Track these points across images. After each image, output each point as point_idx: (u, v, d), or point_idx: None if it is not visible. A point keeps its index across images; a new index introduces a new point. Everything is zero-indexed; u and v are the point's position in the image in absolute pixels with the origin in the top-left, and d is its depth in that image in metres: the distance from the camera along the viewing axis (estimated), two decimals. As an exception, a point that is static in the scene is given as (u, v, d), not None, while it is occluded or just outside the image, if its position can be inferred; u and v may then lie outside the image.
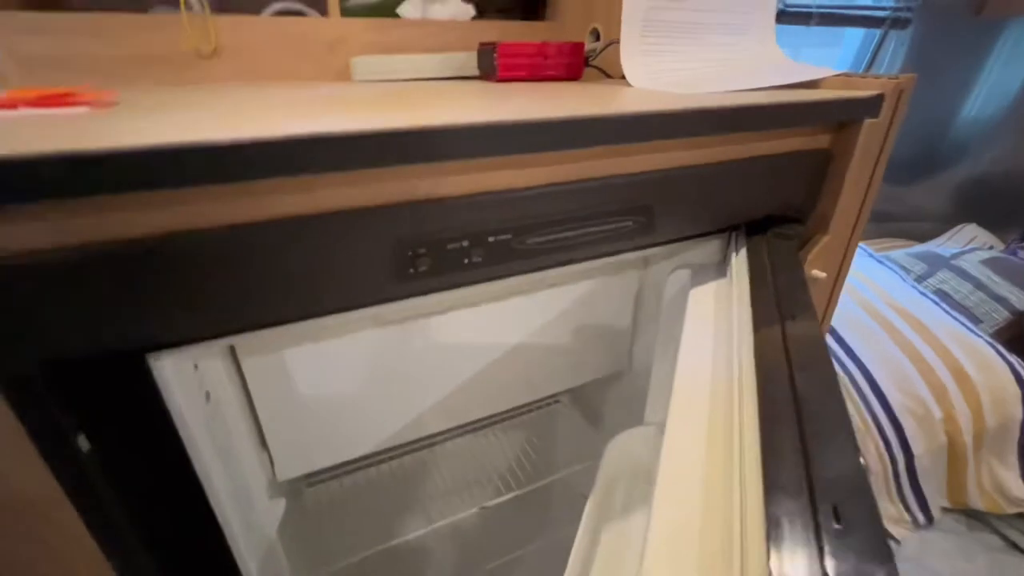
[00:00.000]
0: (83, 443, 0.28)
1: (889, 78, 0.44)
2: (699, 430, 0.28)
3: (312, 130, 0.24)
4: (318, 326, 0.33)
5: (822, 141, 0.46)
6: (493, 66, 0.59)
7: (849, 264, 0.52)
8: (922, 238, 1.62)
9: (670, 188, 0.40)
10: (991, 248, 1.46)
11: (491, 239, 0.33)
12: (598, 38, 0.72)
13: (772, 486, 0.21)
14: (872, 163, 0.46)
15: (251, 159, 0.24)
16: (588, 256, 0.38)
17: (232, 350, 0.44)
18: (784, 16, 1.11)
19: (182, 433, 0.35)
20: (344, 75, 0.64)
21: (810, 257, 0.49)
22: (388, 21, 0.65)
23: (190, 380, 0.37)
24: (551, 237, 0.36)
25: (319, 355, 0.50)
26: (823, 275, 0.49)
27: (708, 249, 0.51)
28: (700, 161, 0.40)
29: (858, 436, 0.92)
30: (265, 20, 0.60)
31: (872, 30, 1.36)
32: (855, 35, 1.44)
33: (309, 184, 0.27)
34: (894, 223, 1.69)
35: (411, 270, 0.31)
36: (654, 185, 0.39)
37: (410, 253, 0.31)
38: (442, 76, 0.65)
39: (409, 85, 0.57)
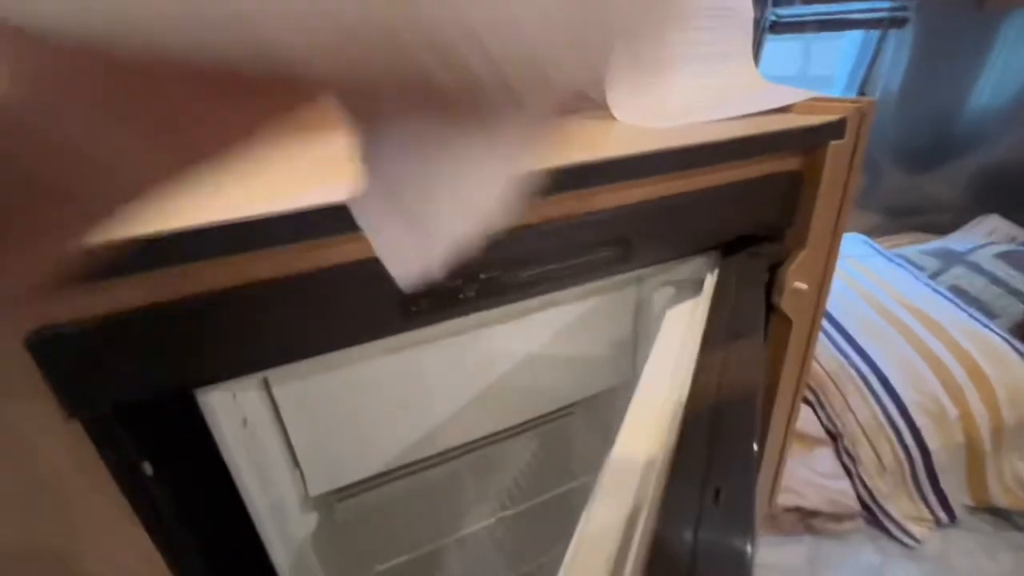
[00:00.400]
0: (148, 468, 0.34)
1: (851, 102, 0.47)
2: (642, 438, 0.33)
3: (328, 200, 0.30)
4: (341, 355, 0.38)
5: (792, 163, 0.49)
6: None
7: (831, 274, 0.55)
8: (942, 230, 1.60)
9: (646, 219, 0.43)
10: (1013, 240, 1.44)
11: (483, 276, 0.38)
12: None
13: (675, 477, 0.26)
14: (843, 180, 0.49)
15: (293, 227, 0.29)
16: (573, 284, 0.42)
17: (265, 380, 0.50)
18: (778, 27, 1.13)
19: (224, 455, 0.40)
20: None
21: (791, 270, 0.52)
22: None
23: (230, 409, 0.42)
24: (537, 271, 0.40)
25: (343, 380, 0.56)
26: (805, 286, 0.52)
27: (693, 266, 0.55)
28: (675, 191, 0.44)
29: (872, 434, 0.93)
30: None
31: (869, 32, 1.36)
32: (854, 38, 1.45)
33: (328, 243, 0.32)
34: (913, 216, 1.66)
35: (412, 308, 0.36)
36: (631, 217, 0.43)
37: (410, 295, 0.36)
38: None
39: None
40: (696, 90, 0.61)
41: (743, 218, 0.49)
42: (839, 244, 0.53)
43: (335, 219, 0.30)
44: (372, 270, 0.34)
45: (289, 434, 0.55)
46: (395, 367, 0.59)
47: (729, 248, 0.51)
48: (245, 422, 0.45)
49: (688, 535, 0.22)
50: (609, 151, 0.39)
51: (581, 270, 0.42)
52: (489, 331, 0.64)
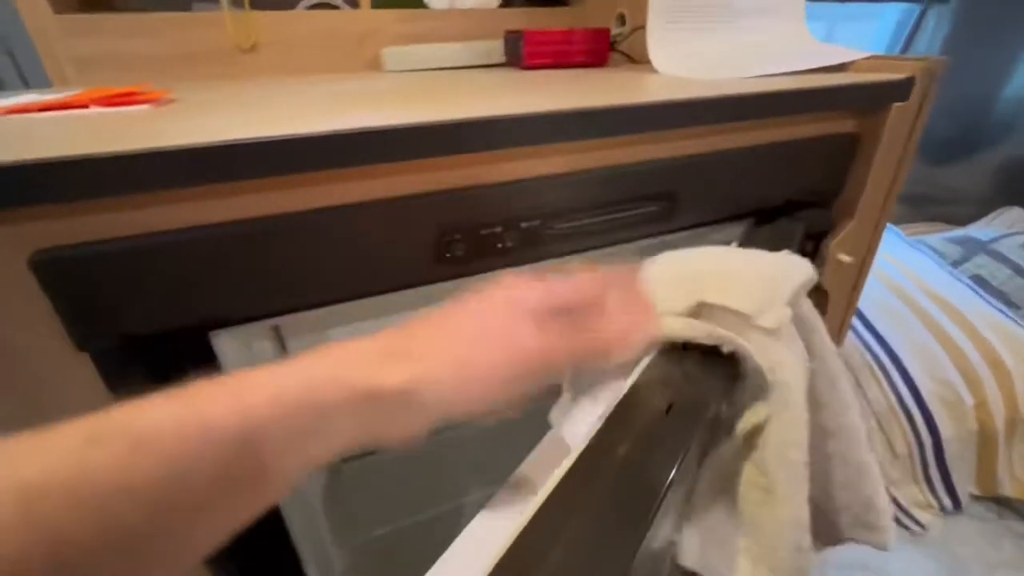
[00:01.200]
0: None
1: (919, 60, 0.43)
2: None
3: (372, 124, 0.27)
4: (357, 307, 0.35)
5: (849, 125, 0.46)
6: (519, 54, 0.61)
7: (875, 248, 0.52)
8: (962, 222, 1.56)
9: (694, 174, 0.41)
10: (1032, 231, 1.41)
11: (523, 225, 0.35)
12: (624, 23, 0.72)
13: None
14: (901, 147, 0.46)
15: (324, 150, 0.26)
16: (614, 241, 0.40)
17: (278, 331, 0.48)
18: (818, -7, 1.08)
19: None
20: (375, 65, 0.66)
21: (836, 241, 0.49)
22: (416, 12, 0.66)
23: (244, 358, 0.40)
24: (578, 223, 0.37)
25: (356, 336, 0.53)
26: (849, 259, 0.49)
27: (724, 235, 0.52)
28: (724, 147, 0.41)
29: (884, 420, 0.92)
30: (300, 14, 0.62)
31: (912, 5, 1.30)
32: (893, 9, 1.38)
33: (363, 173, 0.30)
34: (932, 206, 1.63)
35: (447, 254, 0.34)
36: (678, 171, 0.40)
37: (446, 238, 0.33)
38: (470, 64, 0.66)
39: (440, 75, 0.58)
40: (743, 44, 0.57)
41: (793, 182, 0.46)
42: (888, 217, 0.50)
43: (370, 145, 0.28)
44: (406, 208, 0.32)
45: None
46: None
47: (764, 217, 0.48)
48: (259, 371, 0.42)
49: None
50: (653, 97, 0.36)
51: (623, 224, 0.39)
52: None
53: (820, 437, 0.33)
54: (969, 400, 0.88)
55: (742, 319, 0.27)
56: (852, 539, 0.38)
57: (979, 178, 1.59)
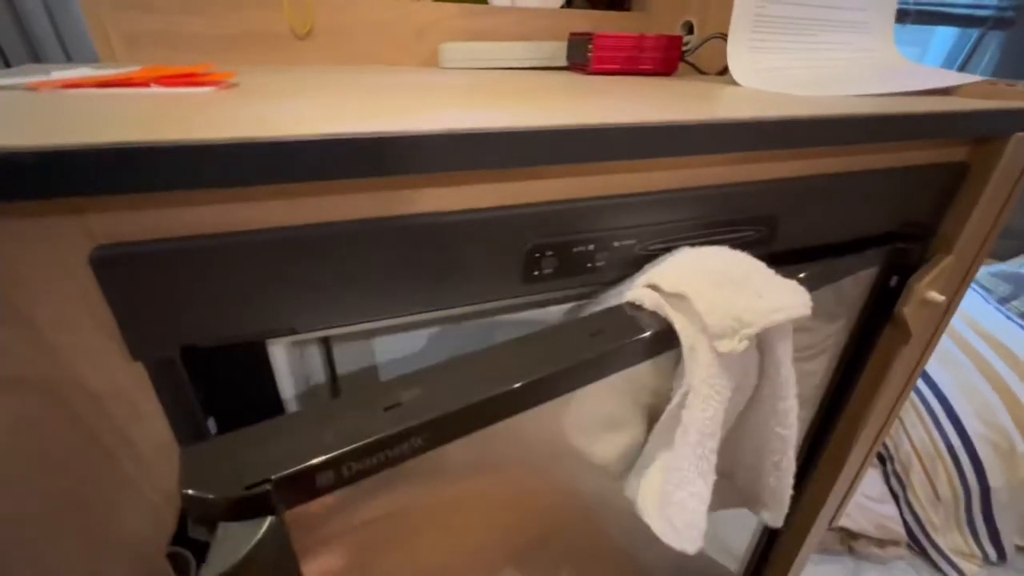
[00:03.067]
0: (212, 426, 0.28)
1: (1045, 87, 0.40)
2: None
3: (471, 125, 0.23)
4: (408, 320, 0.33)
5: (958, 154, 0.42)
6: (587, 57, 0.57)
7: (966, 289, 0.48)
8: (1001, 256, 1.52)
9: (796, 198, 0.37)
10: (1079, 271, 1.36)
11: (616, 244, 0.32)
12: (690, 31, 0.69)
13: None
14: (1013, 180, 0.42)
15: (425, 151, 0.23)
16: (707, 266, 0.36)
17: (326, 339, 0.44)
18: (877, 12, 1.04)
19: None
20: (431, 61, 0.63)
21: (928, 279, 0.46)
22: (478, 7, 0.63)
23: (296, 365, 0.37)
24: (674, 244, 0.34)
25: (402, 344, 0.50)
26: (941, 299, 0.46)
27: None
28: (827, 171, 0.38)
29: (929, 463, 0.87)
30: (359, 2, 0.59)
31: (966, 30, 1.26)
32: (945, 36, 1.34)
33: (452, 179, 0.26)
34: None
35: (536, 272, 0.30)
36: (780, 194, 0.36)
37: (537, 254, 0.30)
38: (530, 66, 0.63)
39: (504, 75, 0.55)
40: (832, 60, 0.53)
41: (897, 212, 0.42)
42: (986, 255, 0.47)
43: (475, 149, 0.24)
44: (499, 220, 0.28)
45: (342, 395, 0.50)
46: (453, 335, 0.53)
47: (854, 247, 0.45)
48: (308, 381, 0.39)
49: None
50: (756, 112, 0.32)
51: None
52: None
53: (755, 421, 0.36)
54: (1022, 447, 0.83)
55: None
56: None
57: (1021, 210, 1.55)
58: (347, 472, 0.22)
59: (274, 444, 0.22)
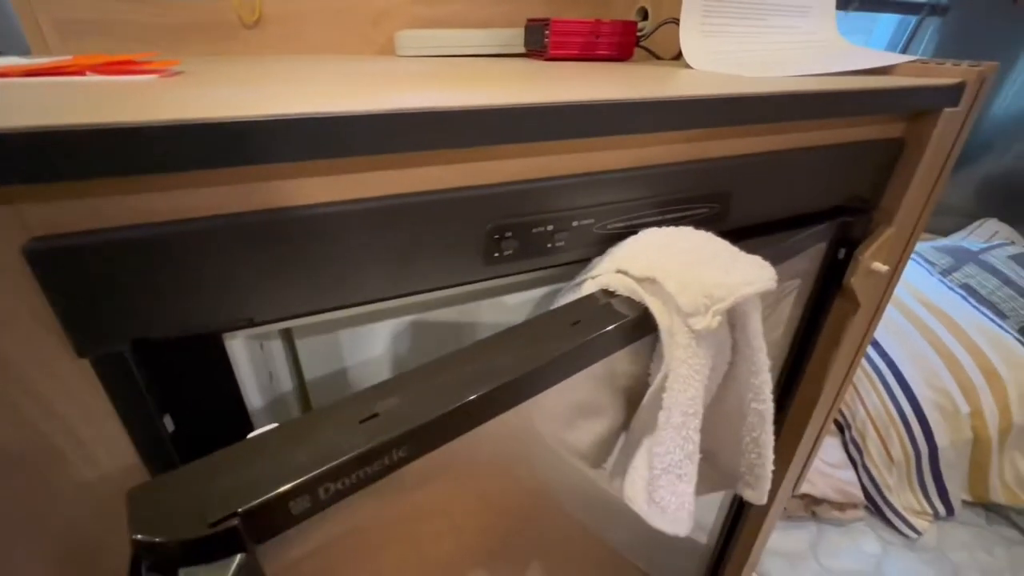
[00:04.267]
0: (169, 425, 0.27)
1: (971, 65, 0.42)
2: None
3: (418, 105, 0.23)
4: (372, 308, 0.32)
5: (895, 130, 0.44)
6: (544, 43, 0.58)
7: (908, 258, 0.51)
8: (942, 232, 1.61)
9: (748, 175, 0.38)
10: (1013, 243, 1.45)
11: (575, 223, 0.32)
12: (645, 17, 0.70)
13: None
14: (945, 154, 0.45)
15: (362, 131, 0.23)
16: (665, 243, 0.37)
17: (288, 332, 0.43)
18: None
19: (252, 413, 0.34)
20: (387, 49, 0.62)
21: (871, 250, 0.48)
22: (433, -6, 0.63)
23: (257, 360, 0.36)
24: (632, 222, 0.35)
25: (367, 336, 0.50)
26: (885, 268, 0.48)
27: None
28: (777, 147, 0.39)
29: (883, 428, 0.92)
30: (310, -11, 0.57)
31: (907, 17, 1.32)
32: (888, 23, 1.41)
33: (407, 161, 0.26)
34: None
35: (497, 253, 0.31)
36: (732, 171, 0.38)
37: (497, 236, 0.30)
38: (487, 52, 0.63)
39: (461, 61, 0.55)
40: (778, 43, 0.55)
41: (844, 186, 0.44)
42: (925, 225, 0.49)
43: (427, 128, 0.24)
44: (458, 202, 0.28)
45: (308, 392, 0.49)
46: (422, 325, 0.53)
47: (803, 222, 0.47)
48: (271, 376, 0.38)
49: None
50: (707, 91, 0.33)
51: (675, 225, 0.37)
52: (532, 294, 0.59)
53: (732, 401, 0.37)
54: (965, 408, 0.89)
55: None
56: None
57: (961, 190, 1.64)
58: (324, 495, 0.20)
59: (239, 471, 0.20)
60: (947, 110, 0.42)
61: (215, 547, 0.17)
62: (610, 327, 0.29)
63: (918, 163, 0.44)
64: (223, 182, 0.23)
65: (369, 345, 0.50)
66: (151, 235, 0.22)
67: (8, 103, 0.24)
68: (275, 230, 0.24)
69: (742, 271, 0.31)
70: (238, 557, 0.18)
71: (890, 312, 1.04)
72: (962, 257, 1.21)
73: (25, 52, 0.50)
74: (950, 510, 0.92)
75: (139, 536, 0.17)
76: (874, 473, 0.92)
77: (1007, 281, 1.10)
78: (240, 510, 0.17)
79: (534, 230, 0.31)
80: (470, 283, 0.32)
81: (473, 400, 0.23)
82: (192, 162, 0.21)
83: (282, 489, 0.18)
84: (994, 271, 1.13)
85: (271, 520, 0.18)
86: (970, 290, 1.12)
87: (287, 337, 0.44)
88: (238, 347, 0.33)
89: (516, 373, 0.24)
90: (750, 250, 0.41)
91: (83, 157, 0.19)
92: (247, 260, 0.24)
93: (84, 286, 0.22)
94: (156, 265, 0.23)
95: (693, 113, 0.32)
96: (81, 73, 0.32)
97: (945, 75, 0.43)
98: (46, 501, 0.25)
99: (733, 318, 0.33)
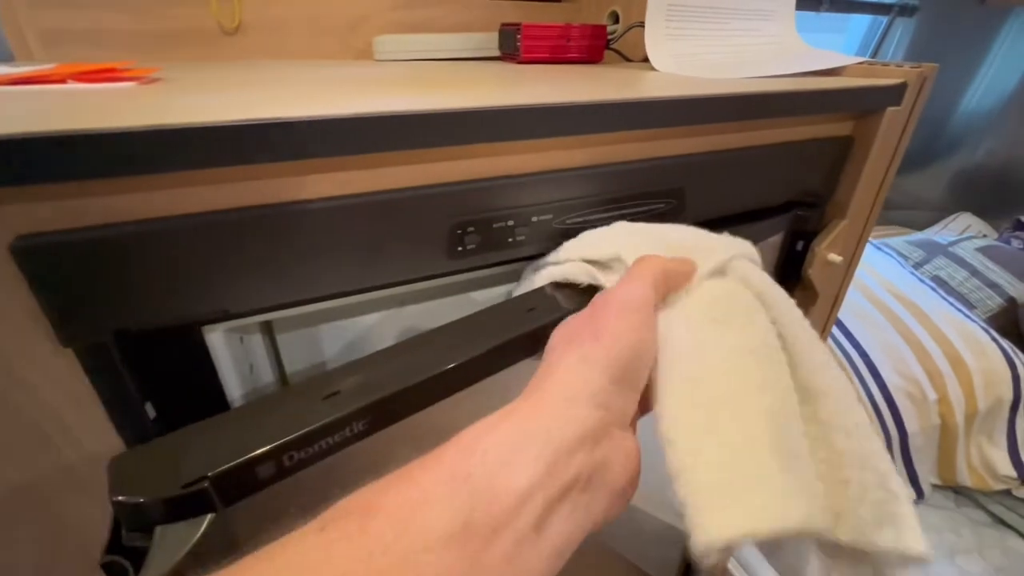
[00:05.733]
0: (150, 411, 0.29)
1: (912, 67, 0.45)
2: None
3: (382, 109, 0.25)
4: (350, 303, 0.34)
5: (844, 128, 0.47)
6: (516, 47, 0.60)
7: (863, 248, 0.54)
8: (918, 226, 1.65)
9: (701, 172, 0.41)
10: (984, 236, 1.49)
11: (534, 219, 0.35)
12: (617, 20, 0.72)
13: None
14: (891, 150, 0.48)
15: (327, 135, 0.24)
16: (623, 237, 0.39)
17: (269, 326, 0.45)
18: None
19: (232, 403, 0.36)
20: (365, 54, 0.64)
21: (827, 242, 0.51)
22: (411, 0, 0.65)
23: (237, 352, 0.38)
24: (589, 218, 0.37)
25: (347, 331, 0.51)
26: (839, 259, 0.51)
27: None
28: (729, 146, 0.42)
29: (855, 416, 0.96)
30: (288, -4, 0.59)
31: (879, 17, 1.36)
32: (861, 22, 1.44)
33: (372, 161, 0.28)
34: (891, 211, 1.72)
35: (460, 248, 0.33)
36: (686, 169, 0.40)
37: (459, 231, 0.32)
38: (463, 56, 0.65)
39: (436, 65, 0.57)
40: (738, 45, 0.58)
41: (794, 182, 0.47)
42: (875, 219, 0.52)
43: (391, 130, 0.26)
44: (421, 199, 0.31)
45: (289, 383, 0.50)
46: (400, 321, 0.55)
47: (757, 216, 0.49)
48: (252, 368, 0.40)
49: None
50: (664, 92, 0.36)
51: (632, 220, 0.39)
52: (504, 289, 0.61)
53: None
54: (932, 395, 0.93)
55: None
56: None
57: (935, 185, 1.68)
58: (288, 462, 0.22)
59: (210, 441, 0.22)
60: (891, 109, 0.45)
61: (188, 507, 0.19)
62: (563, 312, 0.31)
63: (866, 158, 0.47)
64: (196, 182, 0.25)
65: (347, 340, 0.52)
66: (128, 232, 0.24)
67: (-6, 111, 0.26)
68: (246, 227, 0.26)
69: (726, 245, 0.31)
70: (209, 516, 0.20)
71: (862, 303, 1.08)
72: (933, 250, 1.25)
73: (9, 59, 0.52)
74: (920, 494, 0.95)
75: (120, 497, 0.19)
76: (847, 459, 0.95)
77: (974, 272, 1.14)
78: (210, 474, 0.19)
79: (495, 225, 0.33)
80: (436, 276, 0.34)
81: (427, 378, 0.25)
82: (166, 164, 0.22)
83: (249, 456, 0.20)
84: (962, 263, 1.17)
85: (239, 483, 0.20)
86: (940, 281, 1.15)
87: (267, 331, 0.46)
88: (218, 340, 0.34)
89: (468, 354, 0.27)
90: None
91: (65, 160, 0.21)
92: (219, 255, 0.26)
93: (67, 280, 0.24)
94: (133, 260, 0.25)
95: (648, 114, 0.35)
96: (63, 81, 0.33)
97: (889, 76, 0.45)
98: (32, 482, 0.27)
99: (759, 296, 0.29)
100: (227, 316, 0.30)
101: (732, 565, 0.83)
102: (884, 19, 1.31)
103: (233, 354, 0.36)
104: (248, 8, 0.57)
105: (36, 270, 0.23)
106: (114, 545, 0.26)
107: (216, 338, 0.34)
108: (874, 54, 1.47)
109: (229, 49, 0.57)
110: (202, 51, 0.56)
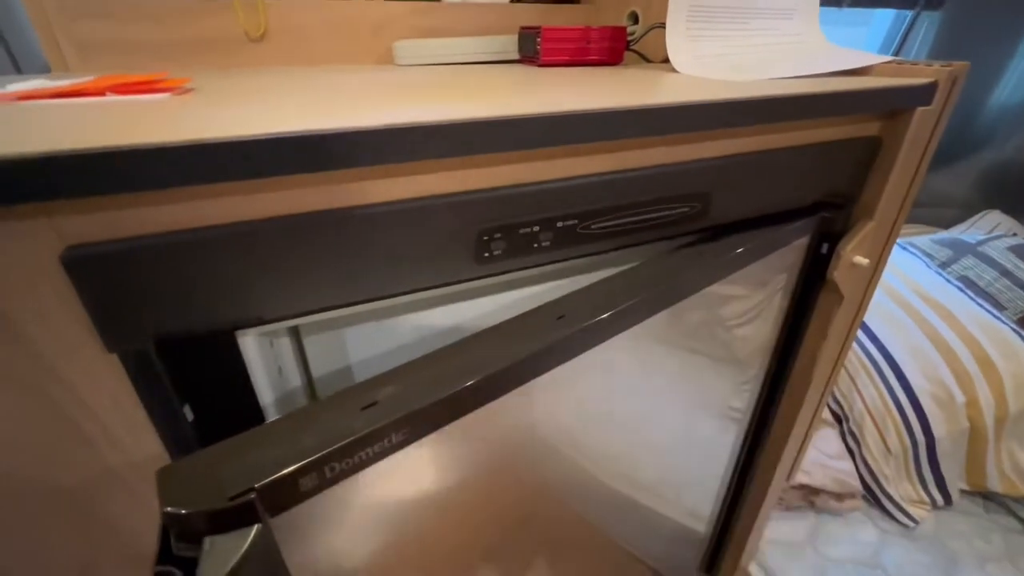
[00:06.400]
0: (188, 414, 0.30)
1: (942, 65, 0.44)
2: None
3: (427, 119, 0.26)
4: (375, 308, 0.35)
5: (872, 128, 0.46)
6: (536, 50, 0.60)
7: (890, 250, 0.53)
8: (945, 224, 1.61)
9: (726, 175, 0.40)
10: (1015, 235, 1.45)
11: (559, 224, 0.35)
12: (636, 21, 0.72)
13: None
14: (921, 151, 0.47)
15: (365, 146, 0.25)
16: (648, 240, 0.39)
17: (296, 330, 0.46)
18: (816, -3, 1.09)
19: (263, 405, 0.37)
20: (386, 59, 0.64)
21: (853, 243, 0.50)
22: (430, 4, 0.65)
23: (268, 356, 0.39)
24: (614, 223, 0.37)
25: (371, 334, 0.52)
26: (866, 261, 0.50)
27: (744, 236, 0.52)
28: (755, 149, 0.41)
29: (879, 418, 0.94)
30: (312, 4, 0.60)
31: (903, 11, 1.33)
32: (885, 15, 1.41)
33: (407, 169, 0.29)
34: (916, 208, 1.68)
35: (487, 253, 0.33)
36: (711, 172, 0.40)
37: (486, 237, 0.32)
38: (483, 60, 0.65)
39: (457, 69, 0.57)
40: (761, 46, 0.57)
41: (821, 184, 0.46)
42: (903, 221, 0.51)
43: (424, 140, 0.27)
44: (450, 206, 0.31)
45: (315, 388, 0.51)
46: (427, 322, 0.56)
47: (784, 218, 0.49)
48: (281, 371, 0.41)
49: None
50: (687, 97, 0.36)
51: (657, 224, 0.39)
52: (527, 292, 0.61)
53: None
54: (960, 398, 0.90)
55: None
56: None
57: (962, 182, 1.64)
58: (330, 473, 0.22)
59: (254, 453, 0.23)
60: (921, 109, 0.44)
61: (235, 519, 0.20)
62: (590, 321, 0.31)
63: (895, 159, 0.46)
64: (231, 193, 0.26)
65: (371, 343, 0.52)
66: (171, 242, 0.25)
67: (44, 125, 0.27)
68: (281, 236, 0.27)
69: None
70: (255, 527, 0.20)
71: (887, 305, 1.06)
72: (961, 249, 1.22)
73: (44, 68, 0.54)
74: (948, 499, 0.93)
75: (169, 509, 0.19)
76: (872, 463, 0.93)
77: (1005, 272, 1.11)
78: (256, 486, 0.20)
79: (521, 231, 0.34)
80: (463, 281, 0.34)
81: (463, 389, 0.25)
82: (206, 176, 0.23)
83: (292, 468, 0.21)
84: (992, 263, 1.14)
85: (283, 495, 0.21)
86: (968, 282, 1.12)
87: (295, 335, 0.47)
88: (250, 344, 0.35)
89: (497, 366, 0.27)
90: (731, 245, 0.43)
91: (113, 175, 0.22)
92: (255, 263, 0.27)
93: (113, 288, 0.25)
94: (174, 270, 0.25)
95: (673, 120, 0.35)
96: (102, 94, 0.34)
97: (918, 75, 0.44)
98: (79, 484, 0.28)
99: None
100: (261, 322, 0.31)
101: (754, 568, 0.83)
102: (909, 12, 1.28)
103: (264, 357, 0.37)
104: (273, 15, 0.58)
105: (85, 279, 0.24)
106: (165, 554, 0.27)
107: (249, 342, 0.35)
108: (899, 47, 1.44)
109: (254, 56, 0.58)
110: (229, 58, 0.57)
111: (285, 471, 0.21)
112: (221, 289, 0.27)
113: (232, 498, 0.20)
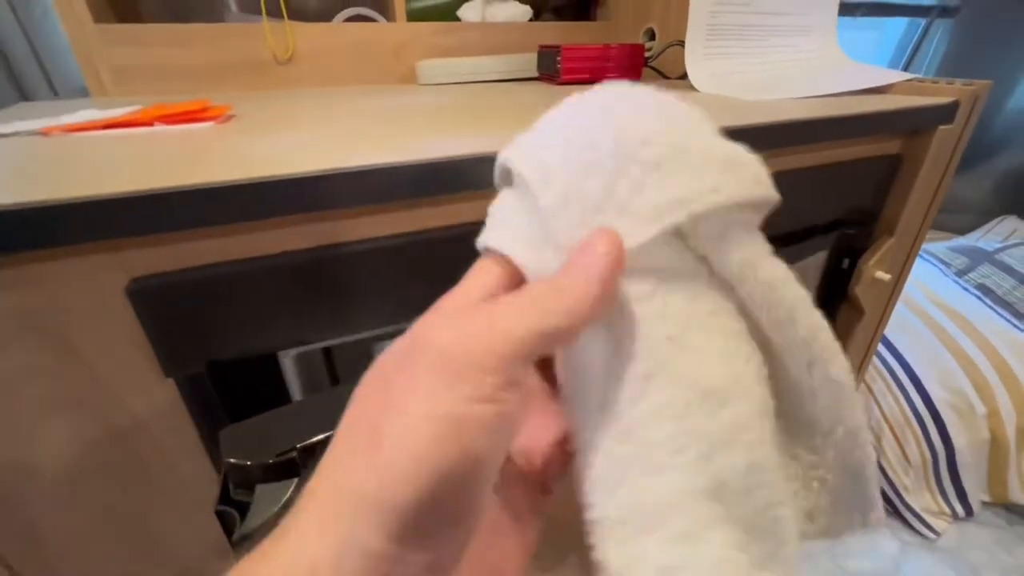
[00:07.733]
0: (235, 433, 0.31)
1: (964, 84, 0.45)
2: None
3: (476, 150, 0.27)
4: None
5: (893, 147, 0.47)
6: (556, 68, 0.61)
7: (911, 265, 0.53)
8: (961, 230, 1.60)
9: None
10: (1032, 241, 1.44)
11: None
12: (653, 38, 0.73)
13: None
14: (943, 168, 0.47)
15: (403, 180, 0.26)
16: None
17: (328, 349, 0.47)
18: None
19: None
20: (408, 78, 0.66)
21: (874, 259, 0.50)
22: (451, 24, 0.67)
23: (302, 373, 0.40)
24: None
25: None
26: (887, 277, 0.50)
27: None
28: (776, 168, 0.42)
29: (898, 430, 0.93)
30: (337, 27, 0.62)
31: (916, 18, 1.33)
32: (898, 23, 1.41)
33: (453, 198, 0.30)
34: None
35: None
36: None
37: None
38: (503, 78, 0.66)
39: (480, 89, 0.58)
40: (780, 63, 0.58)
41: (842, 201, 0.46)
42: (924, 236, 0.51)
43: (468, 171, 0.28)
44: (459, 237, 0.32)
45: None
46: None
47: (804, 234, 0.49)
48: (314, 386, 0.42)
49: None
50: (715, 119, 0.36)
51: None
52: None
53: None
54: (981, 409, 0.90)
55: None
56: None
57: (978, 187, 1.63)
58: None
59: (296, 420, 0.28)
60: (942, 127, 0.44)
61: (281, 471, 0.25)
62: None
63: (916, 177, 0.46)
64: (281, 225, 0.27)
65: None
66: (225, 273, 0.26)
67: (103, 161, 0.28)
68: (323, 266, 0.28)
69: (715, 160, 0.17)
70: (295, 480, 0.25)
71: (904, 314, 1.05)
72: (977, 257, 1.21)
73: (81, 91, 0.56)
74: (969, 511, 0.92)
75: (231, 460, 0.25)
76: (891, 475, 0.93)
77: (1023, 281, 1.10)
78: (298, 446, 0.25)
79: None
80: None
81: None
82: (262, 212, 0.24)
83: (327, 433, 0.25)
84: (1010, 271, 1.13)
85: (320, 454, 0.24)
86: (986, 290, 1.11)
87: (327, 353, 0.48)
88: (289, 364, 0.36)
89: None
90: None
91: (176, 212, 0.23)
92: (302, 291, 0.28)
93: (171, 318, 0.26)
94: (228, 298, 0.27)
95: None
96: (150, 124, 0.36)
97: (940, 94, 0.45)
98: (135, 502, 0.29)
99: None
100: (301, 344, 0.32)
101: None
102: (922, 20, 1.28)
103: (299, 375, 0.39)
104: (299, 39, 0.59)
105: (148, 308, 0.25)
106: (224, 498, 0.31)
107: (288, 363, 0.36)
108: (913, 53, 1.43)
109: (282, 78, 0.60)
110: (258, 80, 0.59)
111: (321, 436, 0.26)
112: (270, 314, 0.28)
113: (278, 455, 0.25)
